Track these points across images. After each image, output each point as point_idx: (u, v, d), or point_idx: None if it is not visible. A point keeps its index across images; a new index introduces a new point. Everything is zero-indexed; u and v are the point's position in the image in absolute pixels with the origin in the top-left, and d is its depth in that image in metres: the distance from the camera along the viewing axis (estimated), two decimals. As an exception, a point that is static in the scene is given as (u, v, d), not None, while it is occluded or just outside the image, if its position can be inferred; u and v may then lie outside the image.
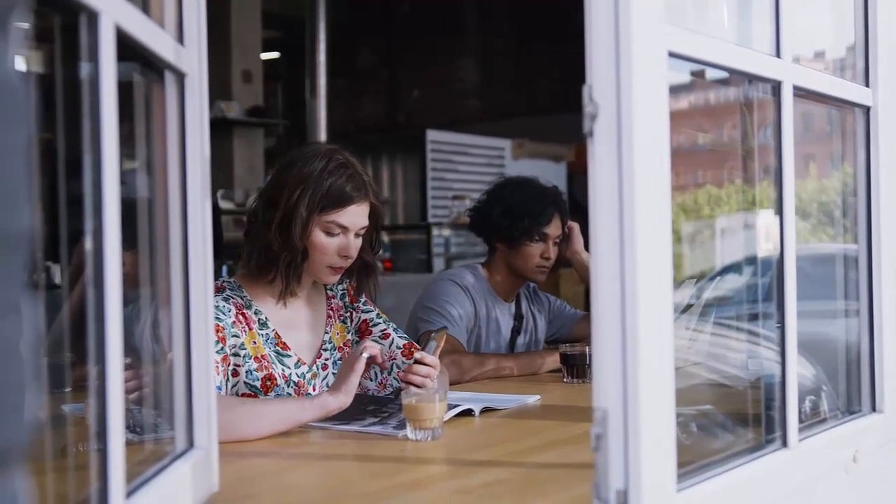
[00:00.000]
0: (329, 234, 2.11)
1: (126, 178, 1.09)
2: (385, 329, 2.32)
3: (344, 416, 1.98)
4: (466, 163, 8.12)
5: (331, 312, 2.30)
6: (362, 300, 2.35)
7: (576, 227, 3.02)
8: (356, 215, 2.13)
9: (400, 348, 2.27)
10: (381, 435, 1.86)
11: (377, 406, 2.08)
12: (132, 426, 1.28)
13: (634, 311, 1.13)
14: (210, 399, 1.36)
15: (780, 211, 1.49)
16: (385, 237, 7.56)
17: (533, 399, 2.29)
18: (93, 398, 0.99)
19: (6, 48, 0.55)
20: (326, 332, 2.27)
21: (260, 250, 2.12)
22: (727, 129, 2.02)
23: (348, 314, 2.33)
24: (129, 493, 1.06)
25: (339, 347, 2.28)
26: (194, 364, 1.34)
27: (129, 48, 1.08)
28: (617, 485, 1.14)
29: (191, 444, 1.34)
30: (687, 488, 1.24)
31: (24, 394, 0.53)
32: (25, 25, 0.59)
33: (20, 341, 0.53)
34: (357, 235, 2.15)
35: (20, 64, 0.57)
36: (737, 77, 1.57)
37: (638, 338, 1.13)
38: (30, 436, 0.55)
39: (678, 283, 1.63)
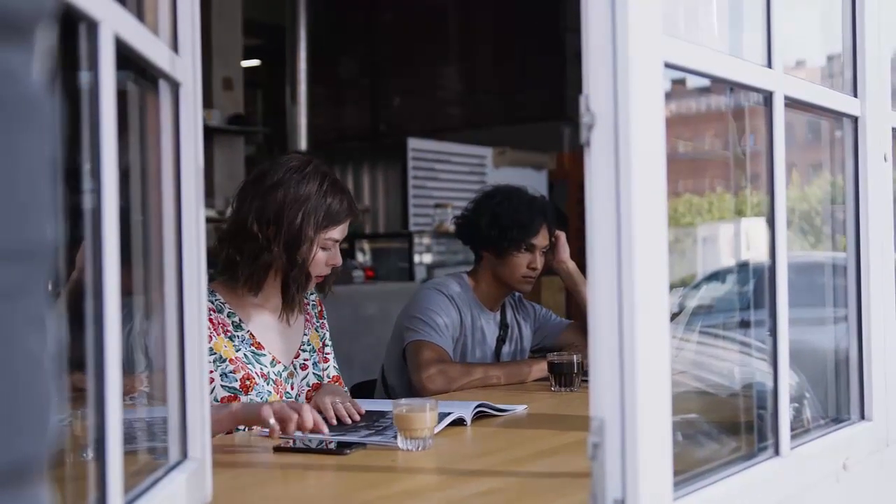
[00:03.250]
0: (324, 249, 2.23)
1: (120, 187, 1.08)
2: (328, 353, 2.43)
3: (339, 429, 1.97)
4: (448, 171, 8.12)
5: (308, 317, 2.38)
6: (325, 317, 2.46)
7: (562, 235, 3.02)
8: (346, 228, 2.27)
9: (330, 378, 2.36)
10: (380, 445, 1.85)
11: (370, 420, 2.07)
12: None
13: (632, 320, 1.13)
14: (204, 410, 1.35)
15: (771, 219, 1.49)
16: (366, 245, 7.55)
17: (521, 408, 2.29)
18: (90, 408, 0.99)
19: (31, 63, 0.55)
20: (305, 334, 2.35)
21: (263, 268, 2.18)
22: (707, 138, 2.03)
23: (319, 324, 2.43)
24: (126, 505, 1.05)
25: (319, 350, 2.37)
26: (188, 375, 1.33)
27: (124, 56, 1.08)
28: (614, 494, 1.14)
29: (184, 455, 1.33)
30: (683, 497, 1.25)
31: (48, 406, 0.53)
32: (50, 37, 0.59)
33: (44, 354, 0.53)
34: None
35: (44, 76, 0.57)
36: (719, 86, 1.59)
37: (635, 347, 1.13)
38: (52, 448, 0.54)
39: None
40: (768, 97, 1.49)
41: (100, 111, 0.97)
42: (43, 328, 0.53)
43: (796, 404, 1.77)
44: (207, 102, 7.09)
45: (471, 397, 2.45)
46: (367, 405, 2.24)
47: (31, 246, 0.52)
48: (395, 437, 1.83)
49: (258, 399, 2.14)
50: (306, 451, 1.81)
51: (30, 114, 0.54)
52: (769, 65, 1.49)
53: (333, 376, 2.38)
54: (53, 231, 0.54)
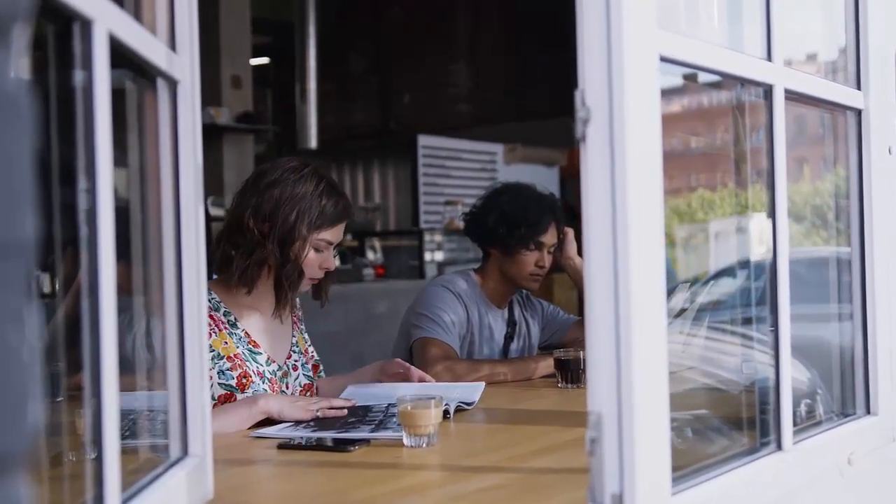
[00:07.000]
0: (317, 250, 2.24)
1: (118, 186, 1.08)
2: (304, 361, 2.41)
3: (338, 427, 1.97)
4: (459, 168, 8.12)
5: (295, 320, 2.42)
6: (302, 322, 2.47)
7: (570, 232, 3.01)
8: (341, 232, 2.28)
9: (301, 386, 2.35)
10: (384, 441, 1.84)
11: (357, 417, 2.06)
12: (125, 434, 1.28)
13: (628, 315, 1.13)
14: (205, 407, 1.36)
15: (772, 214, 1.49)
16: (376, 243, 7.56)
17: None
18: (87, 408, 0.99)
19: (8, 59, 0.55)
20: (293, 336, 2.38)
21: (256, 263, 2.20)
22: (720, 133, 2.02)
23: (303, 326, 2.45)
24: (125, 501, 1.06)
25: (304, 352, 2.40)
26: (188, 372, 1.33)
27: (120, 55, 1.08)
28: (612, 488, 1.14)
29: (185, 451, 1.33)
30: (682, 492, 1.24)
31: (26, 400, 0.54)
32: (27, 35, 0.60)
33: (23, 348, 0.53)
34: (335, 248, 2.30)
35: (21, 73, 0.57)
36: (729, 81, 1.58)
37: (632, 341, 1.13)
38: (32, 442, 0.55)
39: (672, 288, 1.63)
40: (768, 90, 1.48)
41: (94, 111, 0.97)
42: (21, 322, 0.53)
43: (808, 401, 1.76)
44: (216, 101, 7.10)
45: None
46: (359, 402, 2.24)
47: (9, 241, 0.52)
48: (400, 429, 1.83)
49: None
50: (309, 448, 1.81)
51: (7, 111, 0.54)
52: (769, 58, 1.48)
53: (305, 384, 2.37)
54: (33, 227, 0.55)
